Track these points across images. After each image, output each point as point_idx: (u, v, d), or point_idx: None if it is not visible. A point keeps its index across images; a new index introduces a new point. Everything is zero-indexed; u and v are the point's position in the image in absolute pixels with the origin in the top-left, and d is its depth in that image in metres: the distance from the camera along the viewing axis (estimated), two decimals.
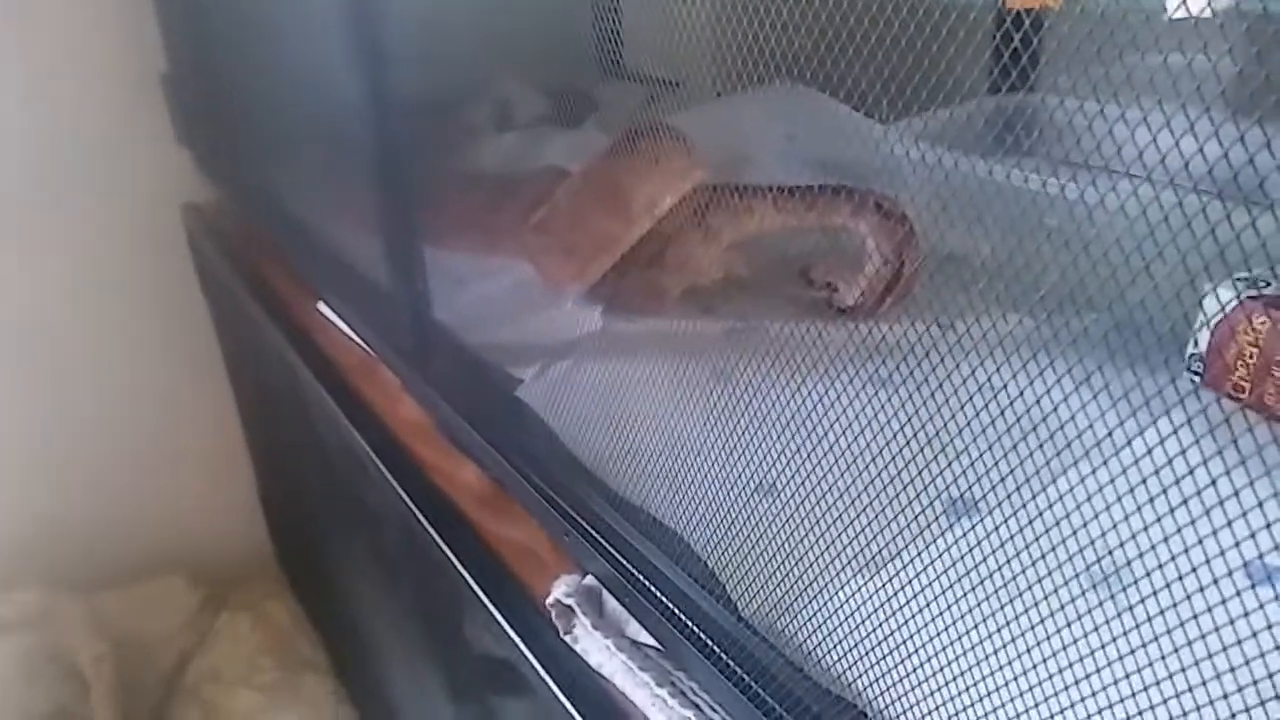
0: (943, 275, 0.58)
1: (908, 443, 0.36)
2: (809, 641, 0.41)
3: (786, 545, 0.42)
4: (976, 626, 0.34)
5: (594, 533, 0.54)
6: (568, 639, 0.53)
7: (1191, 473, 0.28)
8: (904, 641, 0.37)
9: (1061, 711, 0.32)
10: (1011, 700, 0.33)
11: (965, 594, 0.35)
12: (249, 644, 1.35)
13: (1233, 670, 0.26)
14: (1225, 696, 0.26)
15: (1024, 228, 0.41)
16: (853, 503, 0.39)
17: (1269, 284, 0.53)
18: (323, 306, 0.91)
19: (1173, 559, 0.28)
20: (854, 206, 0.67)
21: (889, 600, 0.37)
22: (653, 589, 0.49)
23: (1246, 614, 0.25)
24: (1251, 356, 0.53)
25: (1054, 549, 0.32)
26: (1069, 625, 0.31)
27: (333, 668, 1.36)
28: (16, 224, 1.26)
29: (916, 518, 0.37)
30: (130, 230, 1.33)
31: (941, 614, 0.36)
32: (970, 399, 0.34)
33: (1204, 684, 0.27)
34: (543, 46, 1.01)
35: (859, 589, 0.39)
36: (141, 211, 1.32)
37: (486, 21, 0.94)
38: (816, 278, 0.72)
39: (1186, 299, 0.55)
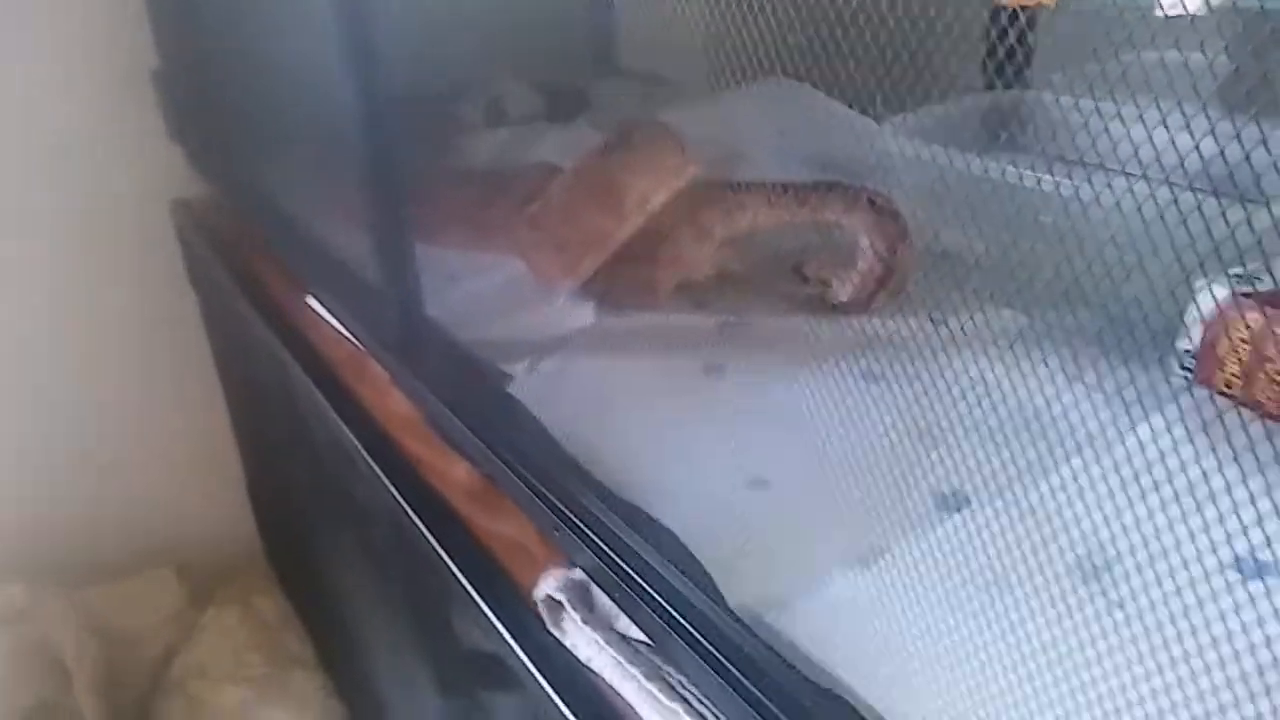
0: (936, 271, 0.58)
1: (900, 438, 0.37)
2: (799, 635, 0.41)
3: (777, 539, 0.42)
4: (966, 620, 0.34)
5: (584, 527, 0.53)
6: (556, 633, 0.53)
7: (1185, 469, 0.28)
8: (894, 635, 0.37)
9: (1052, 704, 0.32)
10: (1002, 693, 0.33)
11: (955, 588, 0.35)
12: (236, 639, 1.34)
13: (1223, 664, 0.26)
14: (1215, 689, 0.26)
15: (1017, 224, 0.41)
16: (844, 497, 0.39)
17: (1261, 280, 0.54)
18: (312, 301, 0.91)
19: (1165, 554, 0.28)
20: (847, 202, 0.67)
21: (879, 594, 0.37)
22: (642, 583, 0.49)
23: (1238, 608, 0.25)
24: (1243, 353, 0.53)
25: (1045, 544, 0.32)
26: (1060, 619, 0.31)
27: (321, 663, 1.36)
28: (3, 218, 1.25)
29: (907, 512, 0.37)
30: (119, 226, 1.32)
31: (931, 607, 0.36)
32: (963, 395, 0.34)
33: (1194, 677, 0.27)
34: (536, 43, 1.01)
35: (849, 583, 0.39)
36: (130, 207, 1.32)
37: (479, 17, 0.94)
38: (810, 273, 0.72)
39: (1179, 296, 0.55)
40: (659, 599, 0.48)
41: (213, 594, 1.43)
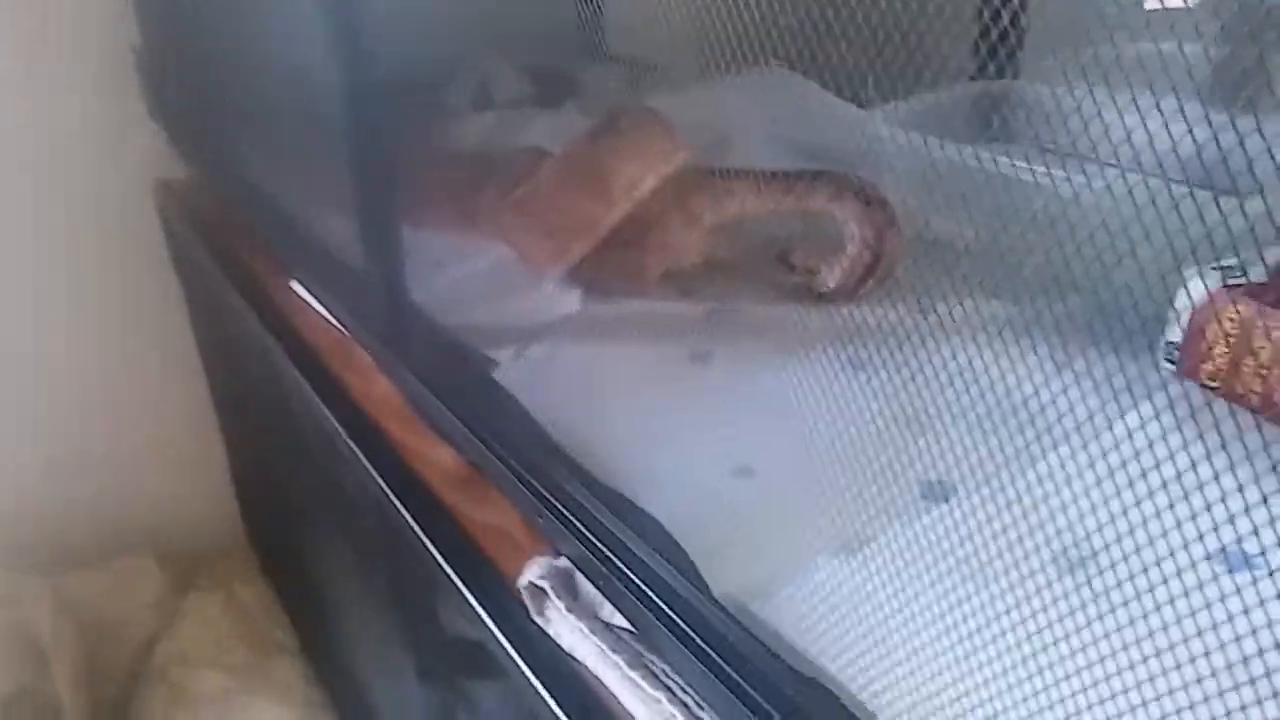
0: (924, 260, 0.58)
1: (886, 426, 0.36)
2: (783, 624, 0.41)
3: (762, 527, 0.42)
4: (950, 609, 0.34)
5: (568, 515, 0.53)
6: (540, 621, 0.52)
7: (1168, 461, 0.28)
8: (878, 624, 0.37)
9: (1035, 695, 0.32)
10: (984, 683, 0.33)
11: (940, 577, 0.35)
12: (218, 626, 1.33)
13: (1207, 654, 0.26)
14: (1199, 680, 0.26)
15: (1006, 213, 0.41)
16: (829, 485, 0.39)
17: (1245, 273, 0.54)
18: (296, 285, 0.90)
19: (1151, 542, 0.28)
20: (834, 191, 0.67)
21: (864, 583, 0.37)
22: (626, 571, 0.49)
23: (1223, 597, 0.25)
24: (1227, 345, 0.53)
25: (1030, 533, 0.32)
26: (1044, 609, 0.31)
27: (303, 650, 1.35)
28: None
29: (892, 501, 0.37)
30: (101, 208, 1.31)
31: (916, 597, 0.36)
32: (950, 383, 0.34)
33: (1178, 668, 0.27)
34: (524, 26, 1.00)
35: (834, 571, 0.39)
36: (113, 189, 1.30)
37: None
38: (797, 261, 0.72)
39: (1163, 289, 0.55)
40: (643, 587, 0.47)
41: (194, 581, 1.42)
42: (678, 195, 0.70)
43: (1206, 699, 0.26)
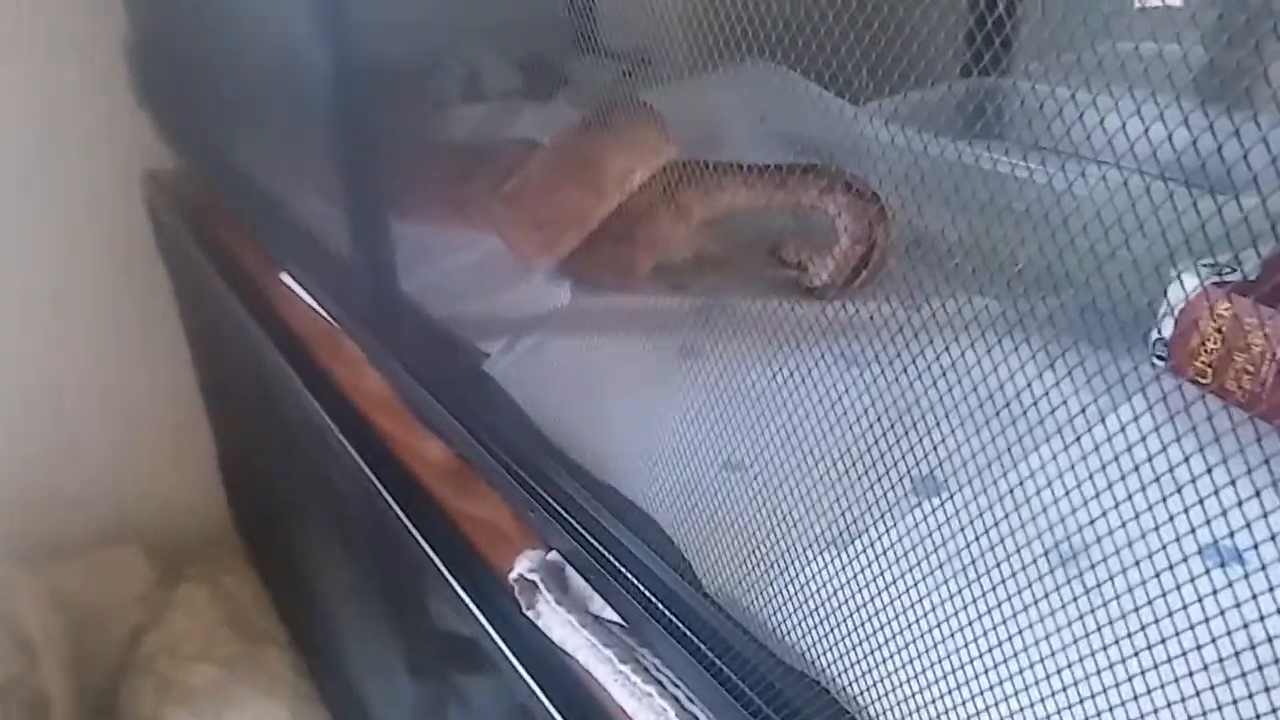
0: (914, 256, 0.58)
1: (876, 420, 0.36)
2: (773, 618, 0.41)
3: (753, 522, 0.42)
4: (941, 604, 0.34)
5: (559, 508, 0.53)
6: (530, 615, 0.52)
7: (1157, 457, 0.28)
8: (868, 619, 0.37)
9: (1025, 689, 0.32)
10: (975, 678, 0.34)
11: (931, 572, 0.35)
12: (206, 617, 1.33)
13: (1199, 649, 0.26)
14: (1190, 674, 0.26)
15: (995, 210, 0.41)
16: (820, 479, 0.39)
17: (1233, 271, 0.54)
18: (285, 276, 0.90)
19: (1142, 536, 0.28)
20: (824, 185, 0.67)
21: (854, 577, 0.37)
22: (617, 565, 0.49)
23: (1215, 592, 0.25)
24: (1215, 343, 0.53)
25: (1021, 528, 0.32)
26: (1035, 604, 0.32)
27: (292, 642, 1.35)
28: None
29: (883, 495, 0.37)
30: (89, 198, 1.30)
31: (906, 592, 0.36)
32: (941, 378, 0.34)
33: (1169, 662, 0.27)
34: (515, 16, 1.00)
35: (824, 566, 0.39)
36: (101, 180, 1.29)
37: None
38: (787, 256, 0.72)
39: (1153, 285, 0.55)
40: (633, 580, 0.48)
41: (183, 572, 1.41)
42: (668, 189, 0.70)
43: (1198, 692, 0.26)
